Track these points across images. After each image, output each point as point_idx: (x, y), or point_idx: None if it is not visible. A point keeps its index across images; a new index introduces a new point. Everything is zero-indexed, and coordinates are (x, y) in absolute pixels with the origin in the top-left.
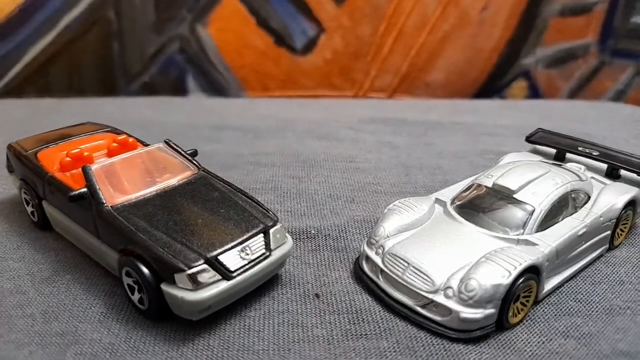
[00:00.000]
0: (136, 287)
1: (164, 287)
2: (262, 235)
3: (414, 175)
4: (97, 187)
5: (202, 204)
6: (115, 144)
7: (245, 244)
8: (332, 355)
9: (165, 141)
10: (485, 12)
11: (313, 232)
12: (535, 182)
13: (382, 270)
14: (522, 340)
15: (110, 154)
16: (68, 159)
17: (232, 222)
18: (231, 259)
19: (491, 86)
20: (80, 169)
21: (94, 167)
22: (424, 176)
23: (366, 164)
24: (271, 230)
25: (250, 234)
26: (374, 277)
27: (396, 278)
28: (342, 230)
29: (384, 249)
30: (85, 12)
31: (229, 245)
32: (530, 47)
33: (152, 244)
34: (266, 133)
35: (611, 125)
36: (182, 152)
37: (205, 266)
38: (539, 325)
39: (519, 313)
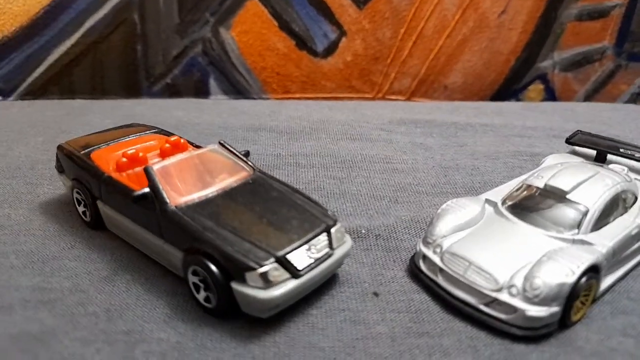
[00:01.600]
0: (202, 285)
1: (235, 285)
2: (325, 234)
3: (452, 176)
4: (161, 188)
5: (263, 204)
6: (167, 145)
7: (311, 242)
8: (397, 352)
9: (219, 142)
10: (503, 15)
11: (364, 231)
12: (587, 183)
13: (441, 269)
14: (581, 338)
15: (162, 155)
16: (124, 159)
17: (295, 222)
18: (298, 257)
19: (508, 89)
20: (135, 170)
21: (155, 167)
22: (462, 177)
23: (403, 164)
24: (332, 230)
25: (314, 232)
26: (433, 276)
27: (457, 277)
28: (391, 230)
29: (441, 248)
30: (109, 14)
31: (296, 244)
32: (547, 51)
33: (221, 242)
34: (301, 134)
35: (637, 127)
36: (237, 153)
37: (275, 265)
38: (597, 323)
39: (578, 312)
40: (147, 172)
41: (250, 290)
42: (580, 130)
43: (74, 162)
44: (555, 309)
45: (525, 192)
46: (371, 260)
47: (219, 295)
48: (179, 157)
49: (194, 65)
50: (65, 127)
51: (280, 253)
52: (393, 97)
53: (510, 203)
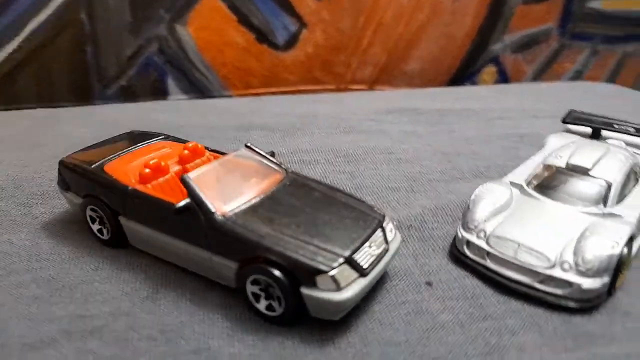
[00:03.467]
0: (262, 294)
1: (305, 290)
2: (380, 230)
3: (456, 162)
4: (204, 198)
5: (310, 205)
6: (186, 151)
7: (370, 239)
8: (470, 338)
9: (246, 145)
10: (457, 1)
11: (395, 223)
12: (604, 159)
13: (488, 253)
14: (626, 304)
15: (182, 162)
16: (147, 170)
17: (349, 220)
18: (362, 256)
19: (464, 73)
20: (159, 180)
21: (191, 176)
22: (465, 162)
23: (405, 154)
24: (384, 225)
25: (371, 229)
26: (481, 260)
27: (507, 259)
28: (420, 220)
29: (485, 232)
30: (54, 15)
31: (359, 243)
32: (498, 34)
33: (284, 248)
34: (292, 130)
35: (600, 102)
36: (266, 156)
37: (345, 266)
38: (634, 287)
39: (618, 279)
40: (185, 182)
41: (323, 294)
42: (574, 110)
43: (86, 177)
44: (606, 279)
45: (547, 173)
46: (411, 252)
47: (287, 302)
48: (212, 164)
49: (149, 65)
50: (38, 140)
51: (347, 253)
52: (356, 86)
53: (535, 183)
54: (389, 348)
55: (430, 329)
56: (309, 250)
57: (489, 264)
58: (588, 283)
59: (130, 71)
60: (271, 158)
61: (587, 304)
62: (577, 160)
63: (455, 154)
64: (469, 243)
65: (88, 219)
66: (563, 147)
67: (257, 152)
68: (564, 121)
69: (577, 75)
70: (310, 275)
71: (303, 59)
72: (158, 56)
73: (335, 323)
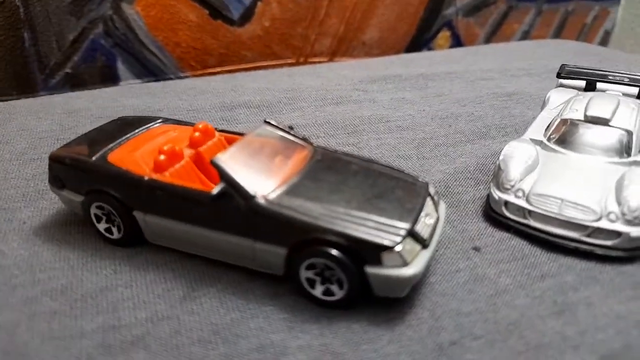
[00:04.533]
0: (318, 279)
1: (370, 269)
2: (429, 198)
3: (456, 125)
4: (240, 182)
5: (352, 179)
6: (197, 134)
7: (425, 209)
8: (536, 299)
9: (266, 121)
10: None
11: None
12: (620, 109)
13: (530, 212)
14: None
15: (193, 145)
16: (162, 157)
17: (399, 191)
18: (421, 227)
19: (420, 39)
20: (175, 167)
21: (221, 159)
22: (465, 124)
23: (403, 121)
24: (432, 192)
25: (422, 198)
26: (522, 220)
27: (552, 215)
28: (444, 186)
29: (524, 191)
30: None
31: (415, 214)
32: None
33: (343, 227)
34: (280, 106)
35: (572, 59)
36: (287, 130)
37: (408, 239)
38: None
39: None
40: (217, 166)
41: (390, 271)
42: (566, 64)
43: (88, 171)
44: None
45: (565, 127)
46: (446, 218)
47: (351, 284)
48: (236, 145)
49: (96, 49)
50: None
51: (409, 226)
52: (316, 59)
53: (556, 138)
54: (461, 319)
55: (494, 294)
56: (369, 227)
57: (532, 222)
58: (636, 231)
59: (75, 57)
60: (293, 133)
61: (636, 253)
62: (595, 112)
63: (453, 117)
64: (506, 204)
65: (93, 217)
66: (574, 100)
67: (279, 127)
68: (559, 76)
69: (525, 35)
70: (376, 252)
71: (260, 33)
72: (105, 39)
73: (397, 300)
